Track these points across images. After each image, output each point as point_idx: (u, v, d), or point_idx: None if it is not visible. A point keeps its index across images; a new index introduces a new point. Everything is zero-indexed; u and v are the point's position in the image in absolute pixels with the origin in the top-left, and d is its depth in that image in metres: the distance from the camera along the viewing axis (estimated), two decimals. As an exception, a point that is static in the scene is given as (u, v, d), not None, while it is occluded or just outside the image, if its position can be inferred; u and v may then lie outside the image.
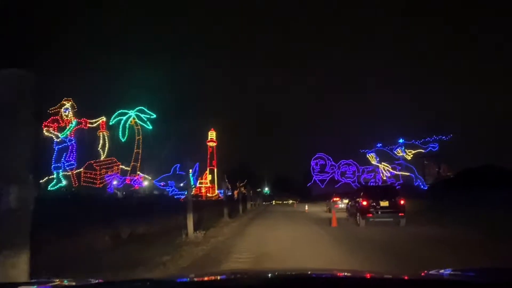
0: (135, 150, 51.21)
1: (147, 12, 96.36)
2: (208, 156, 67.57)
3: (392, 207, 12.06)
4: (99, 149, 48.28)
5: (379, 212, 12.17)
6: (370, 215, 12.22)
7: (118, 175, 48.30)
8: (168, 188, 56.30)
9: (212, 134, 68.49)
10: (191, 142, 78.70)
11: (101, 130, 48.81)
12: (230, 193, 27.88)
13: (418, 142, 51.16)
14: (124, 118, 50.23)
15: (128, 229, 8.71)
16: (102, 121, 48.43)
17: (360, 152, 58.94)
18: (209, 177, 65.04)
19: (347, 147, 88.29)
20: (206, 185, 64.23)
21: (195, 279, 2.10)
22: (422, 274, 1.90)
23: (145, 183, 53.01)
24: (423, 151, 50.86)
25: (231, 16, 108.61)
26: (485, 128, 65.16)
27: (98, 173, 46.66)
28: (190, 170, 12.43)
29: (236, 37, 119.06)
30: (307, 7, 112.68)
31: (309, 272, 2.28)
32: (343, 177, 63.62)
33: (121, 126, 49.84)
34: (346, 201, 21.59)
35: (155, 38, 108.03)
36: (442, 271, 1.89)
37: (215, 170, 66.19)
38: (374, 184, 44.34)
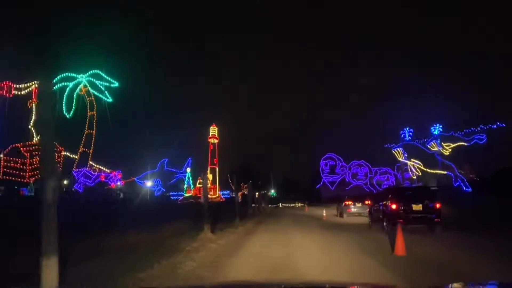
0: (86, 131, 41.76)
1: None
2: (209, 154, 66.94)
3: (427, 211, 12.72)
4: (30, 127, 38.85)
5: (411, 218, 12.62)
6: (401, 220, 11.97)
7: (87, 169, 42.06)
8: (154, 188, 55.47)
9: (213, 130, 68.42)
10: (190, 137, 78.81)
11: (34, 100, 39.15)
12: (229, 195, 27.49)
13: (459, 134, 48.28)
14: (71, 84, 40.28)
15: None
16: (36, 88, 39.01)
17: (385, 147, 56.75)
18: (210, 176, 64.65)
19: (362, 145, 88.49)
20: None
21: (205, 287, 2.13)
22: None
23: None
24: (465, 144, 47.06)
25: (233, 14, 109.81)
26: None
27: (27, 161, 37.46)
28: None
29: (240, 35, 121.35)
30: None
31: (324, 285, 2.52)
32: (354, 179, 65.07)
33: (65, 95, 39.92)
34: (359, 204, 23.03)
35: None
36: (485, 284, 2.04)
37: (217, 169, 65.52)
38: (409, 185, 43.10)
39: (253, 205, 30.24)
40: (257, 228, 16.69)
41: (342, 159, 70.28)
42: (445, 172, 47.21)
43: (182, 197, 57.69)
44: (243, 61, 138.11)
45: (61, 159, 39.65)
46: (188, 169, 63.28)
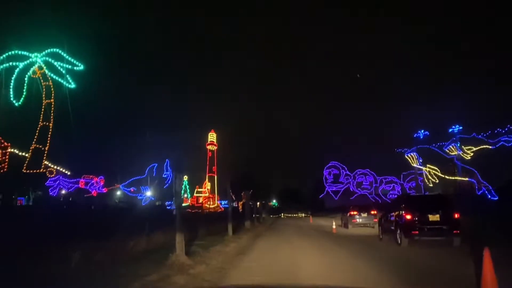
0: (41, 123, 35.62)
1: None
2: (208, 162, 66.04)
3: (445, 222, 12.36)
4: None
5: (427, 229, 12.25)
6: (416, 232, 11.54)
7: (62, 176, 38.92)
8: (141, 196, 53.48)
9: (212, 136, 67.53)
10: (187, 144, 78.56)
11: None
12: (226, 205, 26.76)
13: (482, 136, 45.41)
14: (21, 65, 34.94)
15: None
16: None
17: (396, 152, 54.35)
18: (209, 185, 63.70)
19: (367, 152, 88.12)
20: (205, 195, 62.76)
21: None
22: None
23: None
24: (490, 147, 43.96)
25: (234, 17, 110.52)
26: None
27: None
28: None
29: (241, 39, 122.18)
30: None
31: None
32: (358, 188, 65.36)
33: (13, 79, 34.38)
34: (364, 214, 23.46)
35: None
36: None
37: (216, 177, 64.56)
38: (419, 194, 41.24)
39: (253, 215, 29.40)
40: (253, 245, 14.34)
41: (346, 168, 72.98)
42: (467, 179, 44.50)
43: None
44: (244, 62, 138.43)
45: (7, 157, 33.86)
46: (186, 177, 61.97)
